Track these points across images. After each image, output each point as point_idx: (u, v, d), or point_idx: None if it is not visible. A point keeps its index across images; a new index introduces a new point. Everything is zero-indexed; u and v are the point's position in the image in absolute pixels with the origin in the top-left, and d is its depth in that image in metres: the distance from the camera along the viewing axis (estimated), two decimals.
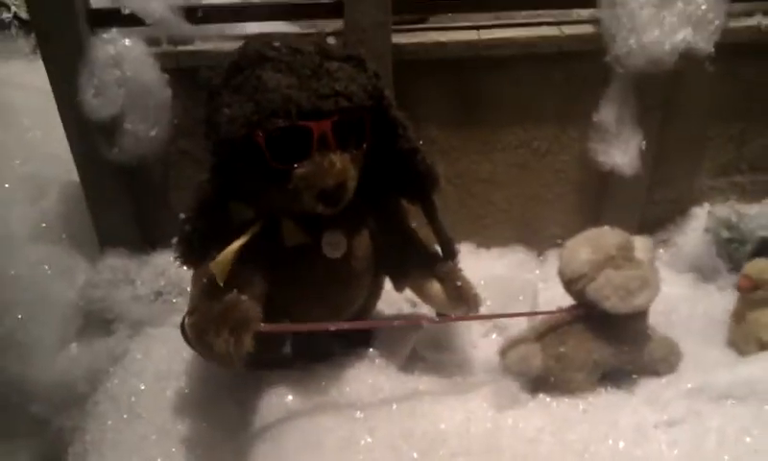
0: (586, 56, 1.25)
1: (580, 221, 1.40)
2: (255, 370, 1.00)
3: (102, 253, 1.32)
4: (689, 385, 1.01)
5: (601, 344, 1.02)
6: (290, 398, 0.97)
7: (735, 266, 1.29)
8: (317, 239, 0.94)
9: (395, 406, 0.97)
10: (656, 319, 1.08)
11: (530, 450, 0.92)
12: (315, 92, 0.83)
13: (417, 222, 1.06)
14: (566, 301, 1.07)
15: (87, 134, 1.20)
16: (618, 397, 1.02)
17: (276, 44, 0.86)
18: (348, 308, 1.03)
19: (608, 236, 1.04)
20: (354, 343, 1.06)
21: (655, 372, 1.06)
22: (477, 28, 1.27)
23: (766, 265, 1.12)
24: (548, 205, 1.44)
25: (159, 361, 1.10)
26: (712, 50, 1.19)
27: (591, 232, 1.06)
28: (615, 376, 1.05)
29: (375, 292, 1.10)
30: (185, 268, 0.95)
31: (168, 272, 1.25)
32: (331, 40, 1.19)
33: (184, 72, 1.19)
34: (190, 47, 1.22)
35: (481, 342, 1.16)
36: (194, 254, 0.91)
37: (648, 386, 1.04)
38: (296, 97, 0.82)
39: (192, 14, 1.18)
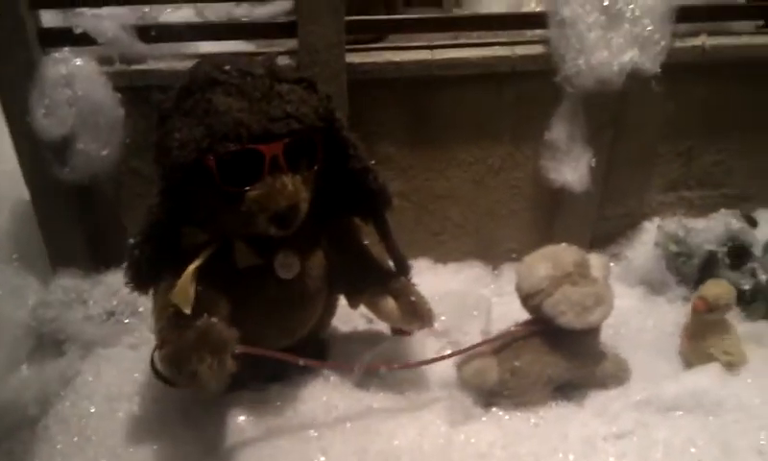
0: (537, 76, 1.27)
1: (534, 236, 1.43)
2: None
3: (54, 272, 1.30)
4: (638, 397, 1.04)
5: (556, 358, 1.04)
6: (242, 418, 0.97)
7: (684, 279, 1.33)
8: (270, 260, 0.94)
9: (348, 425, 0.98)
10: (607, 332, 1.11)
11: None
12: (266, 115, 0.84)
13: (369, 239, 1.06)
14: (520, 315, 1.09)
15: (38, 153, 1.19)
16: (568, 410, 1.04)
17: (227, 67, 0.86)
18: (302, 328, 1.02)
19: (565, 253, 1.07)
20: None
21: (604, 386, 1.08)
22: (431, 47, 1.28)
23: (722, 291, 1.11)
24: (503, 220, 1.45)
25: (111, 383, 1.09)
26: (659, 70, 1.22)
27: (549, 249, 1.09)
28: (566, 389, 1.07)
29: (330, 310, 1.11)
30: (137, 293, 0.94)
31: (121, 292, 1.23)
32: (285, 60, 1.20)
33: (137, 91, 1.18)
34: (143, 66, 1.21)
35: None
36: (143, 278, 0.91)
37: (598, 399, 1.06)
38: (246, 120, 0.82)
39: (145, 33, 1.18)
